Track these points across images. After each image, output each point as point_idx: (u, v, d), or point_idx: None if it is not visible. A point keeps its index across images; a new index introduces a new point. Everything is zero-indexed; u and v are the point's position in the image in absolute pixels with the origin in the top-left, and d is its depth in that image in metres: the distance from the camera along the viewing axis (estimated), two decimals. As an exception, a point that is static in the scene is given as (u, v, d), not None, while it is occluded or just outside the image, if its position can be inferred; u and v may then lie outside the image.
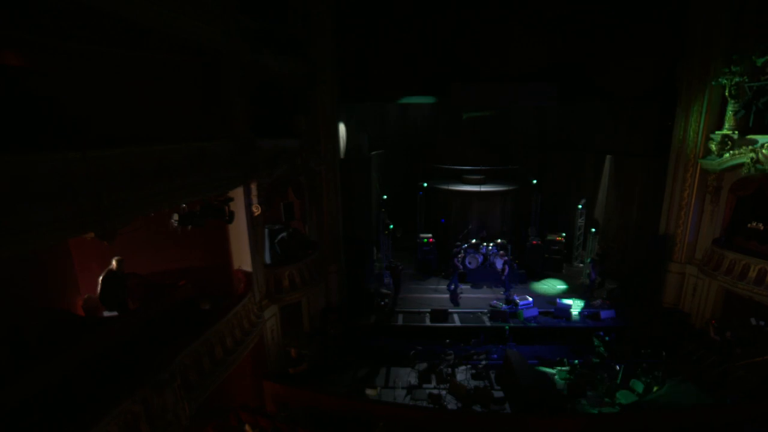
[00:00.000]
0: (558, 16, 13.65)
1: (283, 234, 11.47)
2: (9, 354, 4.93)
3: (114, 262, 7.46)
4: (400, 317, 13.73)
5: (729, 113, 11.98)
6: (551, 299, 14.29)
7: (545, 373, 10.99)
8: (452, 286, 14.76)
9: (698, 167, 12.85)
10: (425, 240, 16.58)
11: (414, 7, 13.58)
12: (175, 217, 7.32)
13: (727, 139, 11.93)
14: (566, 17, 13.65)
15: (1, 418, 4.56)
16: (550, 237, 16.76)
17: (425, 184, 17.65)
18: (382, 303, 14.06)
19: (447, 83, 14.43)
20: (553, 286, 15.87)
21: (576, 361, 11.30)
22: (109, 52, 7.54)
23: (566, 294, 14.98)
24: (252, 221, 9.67)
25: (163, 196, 6.38)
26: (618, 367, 10.93)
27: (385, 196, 15.91)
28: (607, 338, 12.09)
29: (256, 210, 9.54)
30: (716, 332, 11.36)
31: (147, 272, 8.98)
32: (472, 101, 15.80)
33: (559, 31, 13.79)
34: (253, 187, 9.50)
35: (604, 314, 13.20)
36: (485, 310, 13.81)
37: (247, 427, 7.69)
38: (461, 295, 14.88)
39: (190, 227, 7.37)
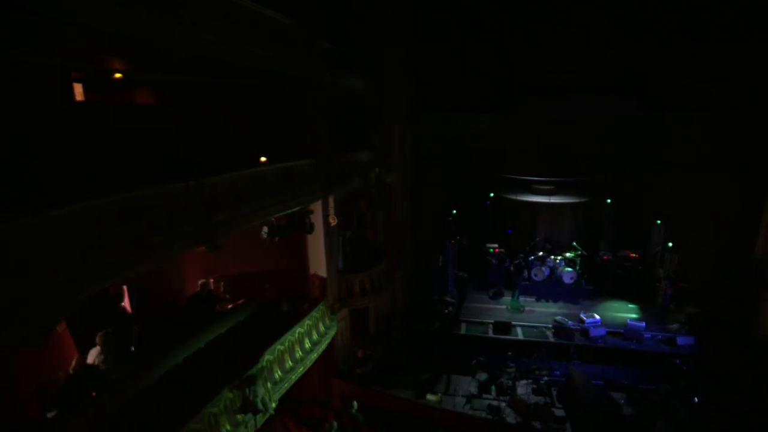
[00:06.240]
0: (638, 25, 13.02)
1: (346, 234, 11.85)
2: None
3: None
4: (463, 326, 13.98)
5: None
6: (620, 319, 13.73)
7: (611, 396, 10.68)
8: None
9: (805, 185, 11.69)
10: (491, 250, 16.59)
11: (486, 22, 13.71)
12: (265, 229, 8.28)
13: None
14: (646, 26, 12.97)
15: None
16: (622, 253, 15.98)
17: (492, 194, 17.59)
18: (446, 311, 14.41)
19: (520, 96, 14.38)
20: (624, 305, 15.16)
21: (646, 388, 10.87)
22: (204, 83, 8.58)
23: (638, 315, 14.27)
24: (328, 231, 10.52)
25: (257, 213, 7.30)
26: (696, 399, 10.35)
27: (454, 211, 16.18)
28: (684, 367, 11.44)
29: (333, 221, 10.36)
30: None
31: (233, 274, 10.17)
32: (547, 115, 15.50)
33: (639, 40, 13.14)
34: (330, 199, 10.33)
35: (681, 340, 12.43)
36: (549, 325, 13.64)
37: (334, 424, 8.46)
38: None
39: (277, 239, 8.30)
